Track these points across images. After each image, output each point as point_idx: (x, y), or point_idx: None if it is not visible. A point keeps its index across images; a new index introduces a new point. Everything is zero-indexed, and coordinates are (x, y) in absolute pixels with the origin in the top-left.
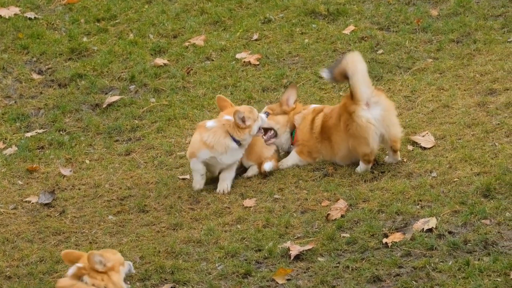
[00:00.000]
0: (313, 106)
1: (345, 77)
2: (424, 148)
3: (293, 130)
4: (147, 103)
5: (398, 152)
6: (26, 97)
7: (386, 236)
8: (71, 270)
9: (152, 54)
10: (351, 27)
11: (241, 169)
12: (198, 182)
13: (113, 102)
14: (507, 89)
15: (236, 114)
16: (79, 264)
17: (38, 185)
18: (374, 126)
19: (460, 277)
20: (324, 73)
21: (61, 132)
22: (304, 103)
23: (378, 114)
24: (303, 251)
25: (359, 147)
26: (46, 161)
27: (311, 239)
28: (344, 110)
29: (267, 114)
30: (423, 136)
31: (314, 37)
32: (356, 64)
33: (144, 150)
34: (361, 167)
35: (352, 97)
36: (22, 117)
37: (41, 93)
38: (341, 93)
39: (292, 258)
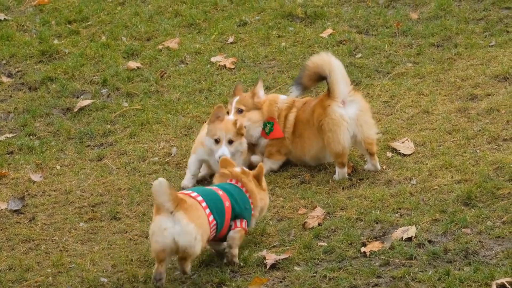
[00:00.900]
0: (283, 98)
1: (317, 79)
2: (404, 155)
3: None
4: (119, 108)
5: (377, 158)
6: None
7: (364, 245)
8: None
9: (125, 57)
10: (329, 30)
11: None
12: (188, 180)
13: (85, 106)
14: (489, 95)
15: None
16: None
17: (7, 191)
18: (347, 123)
19: (440, 287)
20: (293, 91)
21: (31, 136)
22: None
23: (352, 113)
24: (279, 260)
25: (331, 144)
26: (15, 167)
27: (287, 247)
28: (319, 105)
29: (240, 111)
30: (402, 142)
31: (291, 41)
32: (331, 62)
33: (116, 155)
34: (338, 172)
35: (329, 94)
36: None
37: (10, 96)
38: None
39: (268, 267)
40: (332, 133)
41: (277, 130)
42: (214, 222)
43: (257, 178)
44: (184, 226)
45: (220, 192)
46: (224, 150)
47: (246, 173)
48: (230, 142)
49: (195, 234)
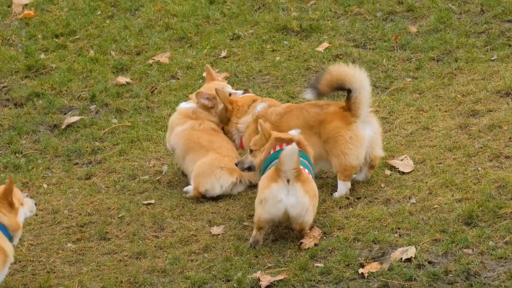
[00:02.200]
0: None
1: (337, 88)
2: (403, 173)
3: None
4: (108, 124)
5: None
6: None
7: (362, 266)
8: None
9: (114, 72)
10: (325, 44)
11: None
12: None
13: (73, 123)
14: (490, 110)
15: None
16: None
17: None
18: (367, 143)
19: None
20: (308, 94)
21: (17, 154)
22: None
23: (368, 134)
24: (274, 281)
25: (347, 156)
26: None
27: (282, 269)
28: (338, 118)
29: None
30: (401, 160)
31: (286, 55)
32: (363, 79)
33: (105, 174)
34: (342, 187)
35: (351, 110)
36: None
37: None
38: None
39: None
40: (353, 147)
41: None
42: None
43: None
44: (299, 198)
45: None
46: None
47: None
48: None
49: (308, 206)
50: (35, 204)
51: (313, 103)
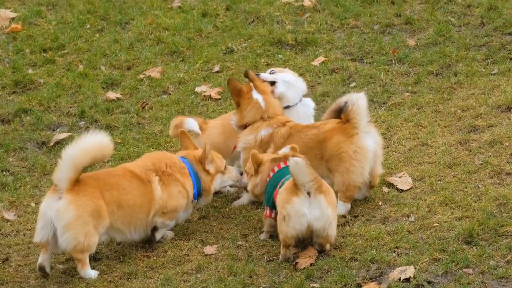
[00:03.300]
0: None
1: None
2: (401, 190)
3: None
4: None
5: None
6: None
7: (359, 286)
8: None
9: (103, 87)
10: (321, 58)
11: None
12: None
13: (61, 139)
14: (491, 126)
15: None
16: None
17: None
18: (372, 155)
19: None
20: None
21: (4, 172)
22: None
23: (371, 146)
24: None
25: (352, 174)
26: None
27: None
28: (338, 133)
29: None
30: (399, 177)
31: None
32: (362, 103)
33: None
34: (339, 209)
35: (350, 122)
36: None
37: None
38: None
39: None
40: (358, 163)
41: None
42: None
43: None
44: (323, 210)
45: None
46: None
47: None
48: None
49: (331, 219)
50: (241, 174)
51: (310, 125)
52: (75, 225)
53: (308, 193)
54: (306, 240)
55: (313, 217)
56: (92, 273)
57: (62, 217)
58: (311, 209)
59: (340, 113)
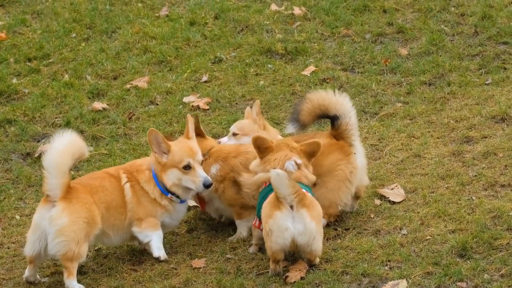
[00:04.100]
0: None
1: (319, 116)
2: (393, 203)
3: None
4: None
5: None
6: None
7: None
8: None
9: (89, 98)
10: (311, 68)
11: None
12: None
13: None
14: (485, 137)
15: None
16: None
17: None
18: (361, 171)
19: None
20: (289, 128)
21: None
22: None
23: (361, 162)
24: None
25: (341, 193)
26: None
27: None
28: (337, 150)
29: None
30: (392, 189)
31: (270, 79)
32: (348, 104)
33: None
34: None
35: (344, 139)
36: None
37: None
38: None
39: None
40: (350, 185)
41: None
42: None
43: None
44: (306, 225)
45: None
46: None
47: (300, 166)
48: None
49: (315, 234)
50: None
51: (295, 138)
52: (68, 231)
53: (291, 207)
54: (296, 254)
55: (296, 231)
56: (77, 286)
57: (55, 223)
58: (295, 223)
59: (322, 117)
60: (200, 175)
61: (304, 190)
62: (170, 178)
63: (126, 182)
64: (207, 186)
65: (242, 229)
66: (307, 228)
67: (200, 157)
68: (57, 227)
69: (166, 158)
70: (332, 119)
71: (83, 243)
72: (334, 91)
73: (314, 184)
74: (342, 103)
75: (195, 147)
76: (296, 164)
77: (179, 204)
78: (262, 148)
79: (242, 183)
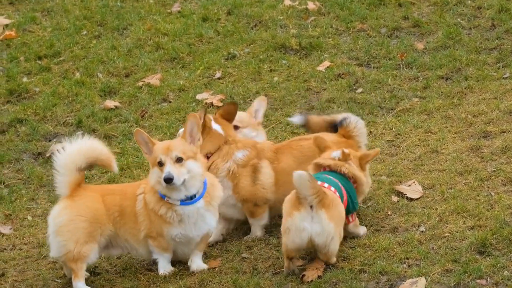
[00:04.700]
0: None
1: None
2: (411, 199)
3: None
4: None
5: None
6: None
7: None
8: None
9: (101, 96)
10: (326, 63)
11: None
12: None
13: (58, 149)
14: (503, 132)
15: None
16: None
17: None
18: None
19: None
20: (296, 117)
21: None
22: None
23: None
24: None
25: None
26: None
27: None
28: (345, 147)
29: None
30: (409, 185)
31: (285, 75)
32: (363, 126)
33: None
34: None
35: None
36: None
37: None
38: None
39: None
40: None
41: None
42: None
43: (362, 160)
44: (324, 226)
45: (340, 184)
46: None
47: (346, 156)
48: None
49: (333, 234)
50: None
51: (299, 138)
52: (65, 230)
53: (311, 207)
54: (312, 253)
55: (314, 232)
56: None
57: (54, 222)
58: (313, 223)
59: (332, 127)
60: (165, 170)
61: (328, 188)
62: (152, 176)
63: (140, 193)
64: (165, 179)
65: (256, 229)
66: (324, 229)
67: (174, 155)
68: (55, 226)
69: (150, 157)
70: (341, 121)
71: (85, 243)
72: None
73: (355, 182)
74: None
75: (173, 145)
76: (343, 153)
77: (186, 207)
78: (321, 147)
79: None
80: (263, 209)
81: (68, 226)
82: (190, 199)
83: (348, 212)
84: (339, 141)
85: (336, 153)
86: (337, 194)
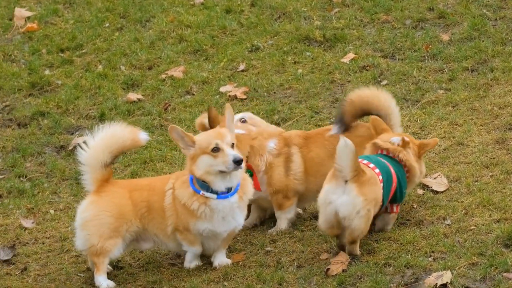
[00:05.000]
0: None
1: (362, 116)
2: (436, 192)
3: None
4: None
5: None
6: None
7: None
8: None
9: (124, 88)
10: (351, 55)
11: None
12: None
13: (80, 143)
14: None
15: None
16: None
17: None
18: None
19: None
20: (335, 129)
21: (21, 178)
22: None
23: None
24: None
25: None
26: (4, 212)
27: None
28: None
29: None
30: (434, 178)
31: (309, 67)
32: (391, 103)
33: None
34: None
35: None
36: None
37: None
38: None
39: None
40: None
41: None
42: (380, 202)
43: (421, 149)
44: (351, 197)
45: (392, 170)
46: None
47: (406, 143)
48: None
49: (359, 208)
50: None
51: (324, 128)
52: (90, 225)
53: (346, 182)
54: (339, 240)
55: (339, 202)
56: (104, 283)
57: (80, 217)
58: (340, 195)
59: (364, 115)
60: (229, 153)
61: (373, 170)
62: (200, 166)
63: (169, 189)
64: (236, 161)
65: (281, 222)
66: (351, 200)
67: (229, 140)
68: (81, 220)
69: (193, 149)
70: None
71: (110, 238)
72: (376, 88)
73: (408, 171)
74: (384, 103)
75: (223, 131)
76: (404, 141)
77: (221, 202)
78: (378, 129)
79: None
80: (292, 201)
81: (93, 221)
82: (227, 192)
83: (394, 200)
84: (371, 137)
85: (396, 139)
86: (381, 177)
